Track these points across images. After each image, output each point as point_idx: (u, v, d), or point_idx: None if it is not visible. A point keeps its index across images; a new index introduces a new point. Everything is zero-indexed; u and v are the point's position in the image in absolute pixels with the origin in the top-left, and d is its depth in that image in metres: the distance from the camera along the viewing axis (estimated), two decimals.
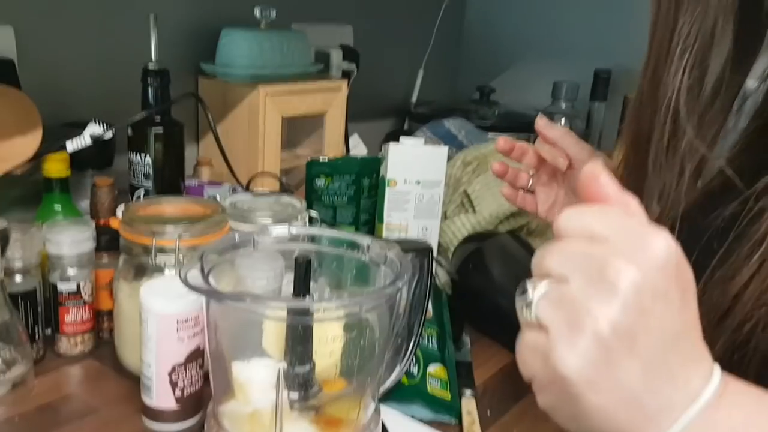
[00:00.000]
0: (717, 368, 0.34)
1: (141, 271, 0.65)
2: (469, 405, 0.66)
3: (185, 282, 0.44)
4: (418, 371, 0.66)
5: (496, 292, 0.78)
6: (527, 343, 0.35)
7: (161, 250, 0.62)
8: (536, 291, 0.36)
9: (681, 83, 0.48)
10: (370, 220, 1.01)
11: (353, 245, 0.56)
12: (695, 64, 0.47)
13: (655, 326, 0.32)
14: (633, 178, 0.52)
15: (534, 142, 0.78)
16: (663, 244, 0.33)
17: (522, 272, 0.80)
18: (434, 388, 0.65)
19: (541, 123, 0.75)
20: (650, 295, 0.32)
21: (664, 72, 0.49)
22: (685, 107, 0.48)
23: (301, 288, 0.50)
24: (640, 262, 0.32)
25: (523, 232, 0.96)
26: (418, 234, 0.93)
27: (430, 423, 0.61)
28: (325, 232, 0.58)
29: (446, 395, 0.64)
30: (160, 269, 0.63)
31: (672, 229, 0.34)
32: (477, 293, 0.81)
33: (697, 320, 0.34)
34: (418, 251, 0.59)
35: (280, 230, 0.58)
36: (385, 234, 0.94)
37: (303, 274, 0.50)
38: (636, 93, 0.53)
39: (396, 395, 0.62)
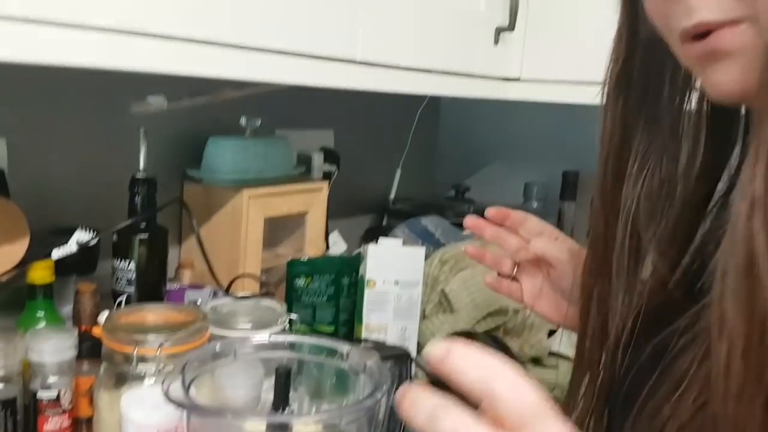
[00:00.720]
0: None
1: (122, 380, 0.65)
2: None
3: (167, 397, 0.46)
4: None
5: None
6: None
7: (142, 359, 0.64)
8: None
9: (639, 193, 0.50)
10: (349, 320, 1.03)
11: (333, 352, 0.58)
12: (653, 177, 0.50)
13: None
14: (594, 279, 0.54)
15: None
16: None
17: None
18: None
19: (491, 212, 0.73)
20: None
21: (620, 182, 0.51)
22: (643, 218, 0.50)
23: (281, 400, 0.51)
24: None
25: (500, 332, 0.98)
26: (398, 334, 0.94)
27: None
28: (305, 339, 0.60)
29: None
30: (140, 378, 0.64)
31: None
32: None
33: None
34: (397, 358, 0.61)
35: (261, 338, 0.60)
36: (364, 334, 0.95)
37: (283, 384, 0.51)
38: (593, 198, 0.55)
39: None
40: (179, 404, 0.45)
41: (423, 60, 0.89)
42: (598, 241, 0.53)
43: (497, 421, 0.31)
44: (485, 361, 0.32)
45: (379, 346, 0.59)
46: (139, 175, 0.84)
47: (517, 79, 1.07)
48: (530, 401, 0.31)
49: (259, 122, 1.07)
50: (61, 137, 0.95)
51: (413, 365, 0.64)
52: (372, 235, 1.36)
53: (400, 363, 0.61)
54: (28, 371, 0.72)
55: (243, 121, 1.07)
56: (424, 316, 1.00)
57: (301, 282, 1.00)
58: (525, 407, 0.31)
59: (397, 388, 0.61)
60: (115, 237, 0.84)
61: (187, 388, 0.48)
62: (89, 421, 0.72)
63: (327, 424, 0.50)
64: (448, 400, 0.32)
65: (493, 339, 0.89)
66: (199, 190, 1.06)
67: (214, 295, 0.90)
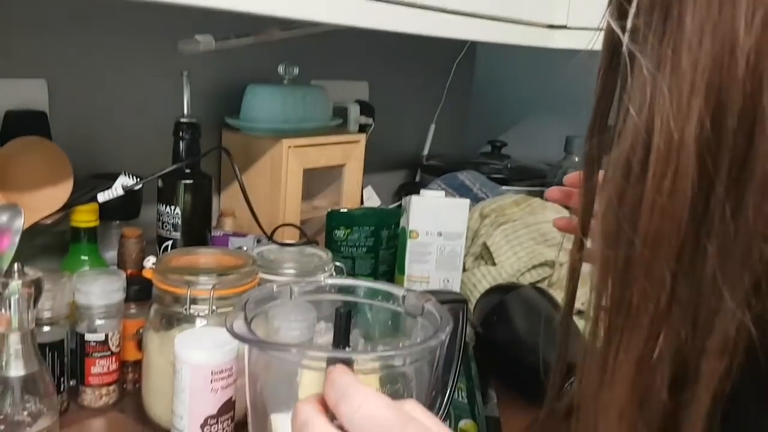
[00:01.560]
0: None
1: (172, 322, 0.65)
2: None
3: (232, 332, 0.44)
4: (449, 426, 0.65)
5: (521, 346, 0.78)
6: None
7: (194, 301, 0.63)
8: None
9: None
10: (388, 271, 1.02)
11: (388, 296, 0.56)
12: None
13: None
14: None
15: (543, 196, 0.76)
16: None
17: (546, 326, 0.80)
18: None
19: (569, 179, 0.68)
20: None
21: None
22: None
23: (341, 340, 0.50)
24: None
25: (545, 284, 0.96)
26: (440, 285, 0.93)
27: None
28: (361, 282, 0.58)
29: None
30: (191, 319, 0.63)
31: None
32: (502, 346, 0.80)
33: None
34: (454, 303, 0.59)
35: (316, 281, 0.59)
36: (406, 285, 0.94)
37: (344, 325, 0.50)
38: None
39: None
40: (244, 339, 0.44)
41: (469, 3, 0.86)
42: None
43: None
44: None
45: (434, 293, 0.57)
46: (184, 119, 0.83)
47: (563, 27, 1.04)
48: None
49: (297, 70, 1.05)
50: (103, 80, 0.93)
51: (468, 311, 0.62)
52: (406, 190, 1.34)
53: (456, 308, 0.59)
54: (75, 314, 0.71)
55: (281, 69, 1.04)
56: (464, 269, 0.99)
57: (340, 233, 0.99)
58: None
59: (452, 334, 0.60)
60: (159, 182, 0.83)
61: (249, 325, 0.47)
62: (136, 364, 0.72)
63: (386, 365, 0.49)
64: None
65: (539, 290, 0.87)
66: (238, 139, 1.04)
67: (258, 242, 0.89)
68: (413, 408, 0.37)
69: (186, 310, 0.62)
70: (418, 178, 1.49)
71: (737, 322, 0.29)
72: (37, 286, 0.62)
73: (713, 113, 0.29)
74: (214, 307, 0.63)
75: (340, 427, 0.35)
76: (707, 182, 0.29)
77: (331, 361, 0.47)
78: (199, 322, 0.63)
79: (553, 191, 0.71)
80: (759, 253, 0.29)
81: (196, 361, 0.56)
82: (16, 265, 0.61)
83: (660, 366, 0.31)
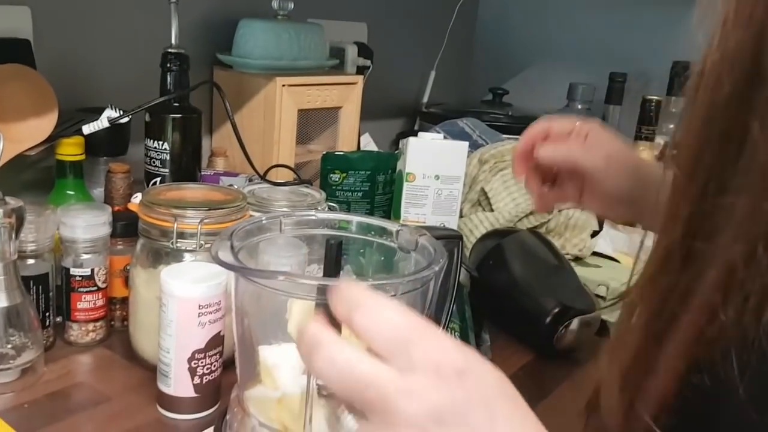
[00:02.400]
0: None
1: (158, 258, 0.63)
2: None
3: (217, 259, 0.42)
4: None
5: (516, 290, 0.76)
6: None
7: (181, 235, 0.61)
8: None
9: None
10: (384, 216, 1.00)
11: (381, 231, 0.54)
12: None
13: None
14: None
15: None
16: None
17: (543, 269, 0.78)
18: None
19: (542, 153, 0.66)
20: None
21: None
22: None
23: (332, 270, 0.48)
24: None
25: (543, 230, 0.95)
26: None
27: None
28: (353, 217, 0.56)
29: None
30: (179, 255, 0.62)
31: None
32: (497, 290, 0.79)
33: None
34: (449, 239, 0.57)
35: (306, 214, 0.57)
36: None
37: (334, 256, 0.48)
38: None
39: None
40: (230, 266, 0.42)
41: None
42: None
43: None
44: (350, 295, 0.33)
45: (429, 229, 0.55)
46: (172, 50, 0.79)
47: None
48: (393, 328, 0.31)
49: (291, 5, 1.01)
50: (89, 7, 0.89)
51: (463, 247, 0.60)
52: (406, 137, 1.31)
53: (451, 244, 0.58)
54: (60, 248, 0.70)
55: (275, 3, 1.00)
56: (461, 215, 0.97)
57: (336, 177, 0.97)
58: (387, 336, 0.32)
59: (446, 271, 0.58)
60: (147, 116, 0.80)
61: (236, 254, 0.45)
62: (124, 301, 0.70)
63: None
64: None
65: (536, 235, 0.86)
66: (230, 77, 1.00)
67: (250, 181, 0.87)
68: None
69: (173, 244, 0.60)
70: (417, 126, 1.46)
71: None
72: (18, 216, 0.60)
73: None
74: (202, 242, 0.61)
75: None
76: None
77: (321, 290, 0.46)
78: (187, 258, 0.61)
79: (519, 167, 0.67)
80: None
81: (182, 295, 0.54)
82: None
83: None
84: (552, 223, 0.95)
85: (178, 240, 0.61)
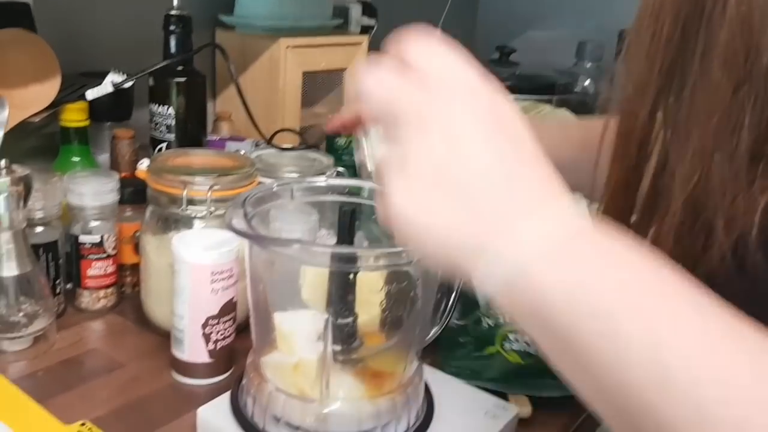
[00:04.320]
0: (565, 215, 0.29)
1: (168, 224, 0.62)
2: None
3: (231, 227, 0.42)
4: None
5: None
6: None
7: (191, 202, 0.60)
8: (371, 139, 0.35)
9: None
10: None
11: None
12: None
13: (475, 164, 0.30)
14: None
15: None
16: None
17: None
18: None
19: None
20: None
21: None
22: None
23: (345, 240, 0.48)
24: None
25: None
26: None
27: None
28: (365, 183, 0.55)
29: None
30: (188, 222, 0.61)
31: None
32: None
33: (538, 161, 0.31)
34: None
35: (318, 180, 0.56)
36: None
37: (347, 223, 0.48)
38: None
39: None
40: (244, 234, 0.42)
41: None
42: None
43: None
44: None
45: None
46: (174, 12, 0.77)
47: None
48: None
49: None
50: None
51: None
52: None
53: None
54: (68, 215, 0.69)
55: None
56: None
57: (341, 141, 0.95)
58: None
59: None
60: (151, 81, 0.79)
61: (249, 221, 0.44)
62: (134, 268, 0.70)
63: (392, 263, 0.47)
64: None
65: None
66: (233, 39, 0.98)
67: (256, 146, 0.86)
68: None
69: (182, 210, 0.60)
70: None
71: None
72: (26, 184, 0.60)
73: None
74: (212, 209, 0.60)
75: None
76: None
77: (335, 257, 0.45)
78: (197, 224, 0.61)
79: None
80: None
81: (195, 261, 0.54)
82: (3, 162, 0.58)
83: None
84: None
85: (188, 207, 0.60)
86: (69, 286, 0.70)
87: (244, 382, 0.50)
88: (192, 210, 0.60)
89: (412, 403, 0.49)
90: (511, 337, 0.62)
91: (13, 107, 0.66)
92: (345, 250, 0.44)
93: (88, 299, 0.68)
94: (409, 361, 0.50)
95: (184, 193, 0.59)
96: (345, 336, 0.48)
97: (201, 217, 0.61)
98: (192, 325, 0.55)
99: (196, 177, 0.60)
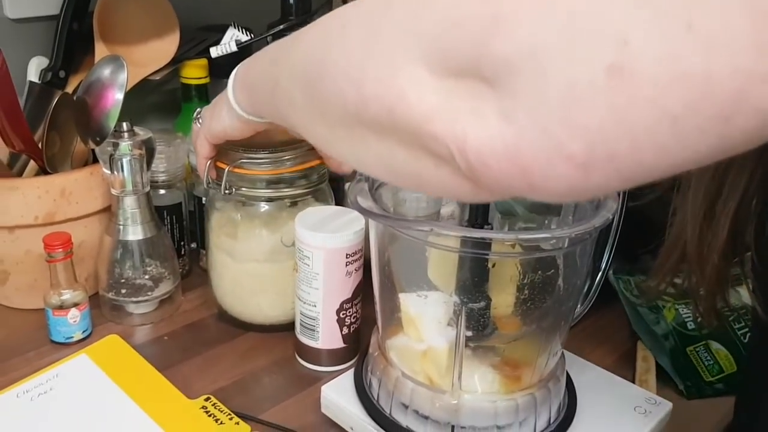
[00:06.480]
0: None
1: None
2: (645, 351, 0.58)
3: (357, 206, 0.38)
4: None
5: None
6: None
7: None
8: None
9: None
10: None
11: None
12: None
13: None
14: None
15: None
16: None
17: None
18: None
19: None
20: None
21: None
22: None
23: (479, 216, 0.43)
24: None
25: None
26: None
27: None
28: None
29: None
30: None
31: None
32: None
33: None
34: None
35: None
36: None
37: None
38: None
39: None
40: (372, 214, 0.38)
41: None
42: None
43: None
44: None
45: None
46: None
47: None
48: None
49: None
50: None
51: None
52: None
53: None
54: (191, 176, 0.68)
55: None
56: None
57: None
58: None
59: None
60: (269, 40, 0.75)
61: (376, 201, 0.40)
62: None
63: (531, 249, 0.41)
64: None
65: None
66: None
67: None
68: None
69: None
70: None
71: None
72: (148, 147, 0.58)
73: None
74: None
75: None
76: None
77: (465, 242, 0.40)
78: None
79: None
80: None
81: (329, 245, 0.50)
82: (125, 125, 0.57)
83: None
84: None
85: None
86: (193, 245, 0.70)
87: (368, 364, 0.47)
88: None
89: (553, 398, 0.44)
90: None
91: (133, 65, 0.64)
92: (477, 234, 0.39)
93: None
94: (552, 351, 0.44)
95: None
96: (478, 321, 0.43)
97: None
98: (326, 312, 0.52)
99: None
